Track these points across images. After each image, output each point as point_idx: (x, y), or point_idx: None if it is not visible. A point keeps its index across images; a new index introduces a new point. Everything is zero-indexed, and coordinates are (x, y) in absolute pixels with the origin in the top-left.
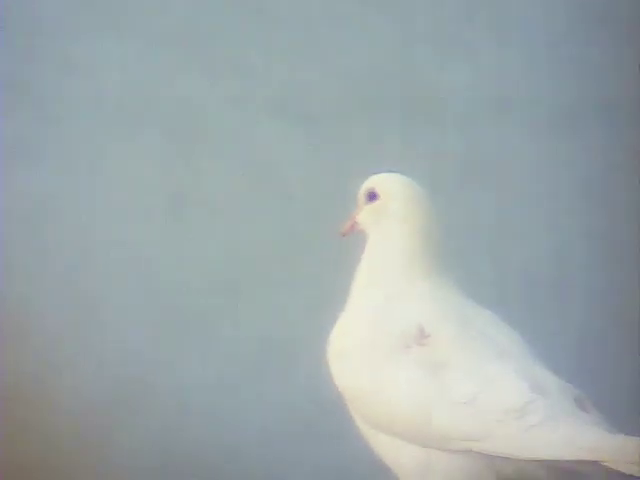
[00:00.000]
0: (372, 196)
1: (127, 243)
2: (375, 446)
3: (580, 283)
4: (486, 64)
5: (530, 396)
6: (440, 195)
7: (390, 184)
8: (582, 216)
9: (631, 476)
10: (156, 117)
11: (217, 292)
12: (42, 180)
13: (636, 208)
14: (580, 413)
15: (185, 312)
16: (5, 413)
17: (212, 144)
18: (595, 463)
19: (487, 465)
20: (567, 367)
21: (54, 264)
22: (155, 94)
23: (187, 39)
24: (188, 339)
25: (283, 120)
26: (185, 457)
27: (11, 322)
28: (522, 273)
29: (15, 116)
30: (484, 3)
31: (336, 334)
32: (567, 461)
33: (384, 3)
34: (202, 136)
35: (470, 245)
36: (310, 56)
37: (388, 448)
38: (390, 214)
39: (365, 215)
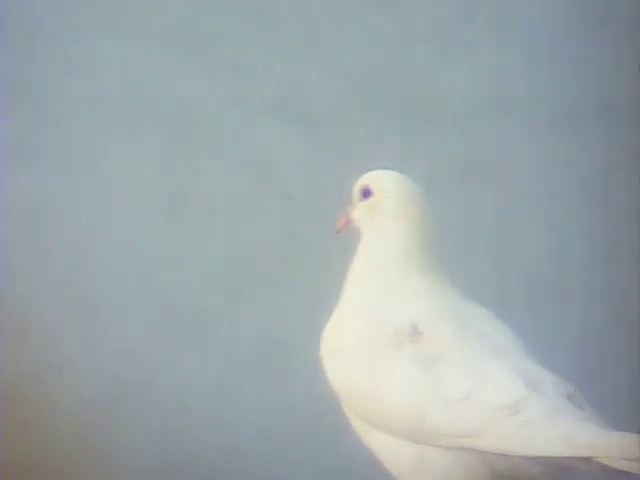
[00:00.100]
0: (366, 193)
1: (127, 243)
2: (369, 443)
3: (580, 283)
4: (486, 64)
5: (524, 392)
6: (440, 195)
7: (384, 181)
8: (582, 216)
9: (626, 473)
10: (156, 117)
11: (217, 292)
12: (42, 180)
13: (636, 208)
14: (574, 410)
15: (185, 312)
16: (5, 413)
17: (212, 144)
18: (589, 460)
19: (481, 461)
20: (567, 367)
21: (54, 264)
22: (155, 94)
23: (187, 39)
24: (188, 339)
25: (283, 120)
26: (185, 457)
27: (11, 322)
28: (522, 273)
29: (15, 116)
30: (484, 3)
31: (329, 331)
32: (561, 458)
33: (384, 3)
34: (202, 136)
35: (470, 245)
36: (310, 56)
37: (382, 445)
38: (384, 211)
39: (359, 212)
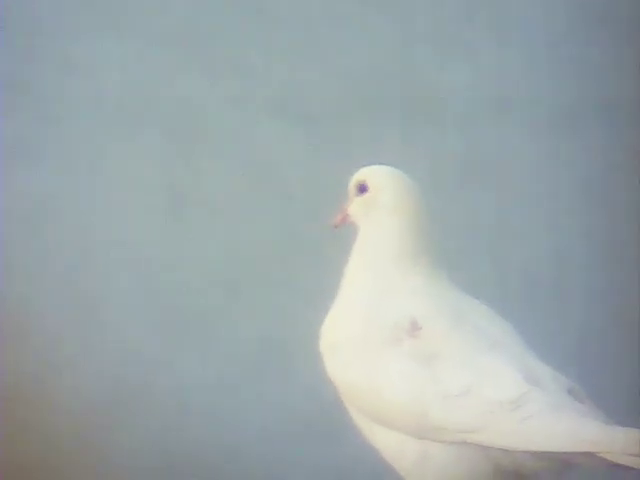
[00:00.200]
0: (362, 188)
1: (127, 243)
2: (371, 438)
3: (580, 283)
4: (486, 64)
5: (525, 387)
6: (440, 195)
7: (380, 176)
8: (582, 216)
9: (627, 467)
10: (156, 117)
11: (217, 292)
12: (42, 180)
13: (636, 208)
14: (575, 404)
15: (185, 312)
16: (5, 413)
17: (212, 144)
18: (591, 454)
19: (484, 456)
20: (567, 367)
21: (54, 264)
22: (155, 94)
23: (187, 39)
24: (188, 339)
25: (283, 120)
26: (185, 457)
27: (11, 322)
28: (522, 273)
29: (15, 116)
30: (484, 3)
31: (327, 327)
32: (564, 453)
33: (384, 3)
34: (202, 136)
35: (470, 245)
36: (310, 56)
37: (384, 440)
38: (380, 206)
39: (356, 207)
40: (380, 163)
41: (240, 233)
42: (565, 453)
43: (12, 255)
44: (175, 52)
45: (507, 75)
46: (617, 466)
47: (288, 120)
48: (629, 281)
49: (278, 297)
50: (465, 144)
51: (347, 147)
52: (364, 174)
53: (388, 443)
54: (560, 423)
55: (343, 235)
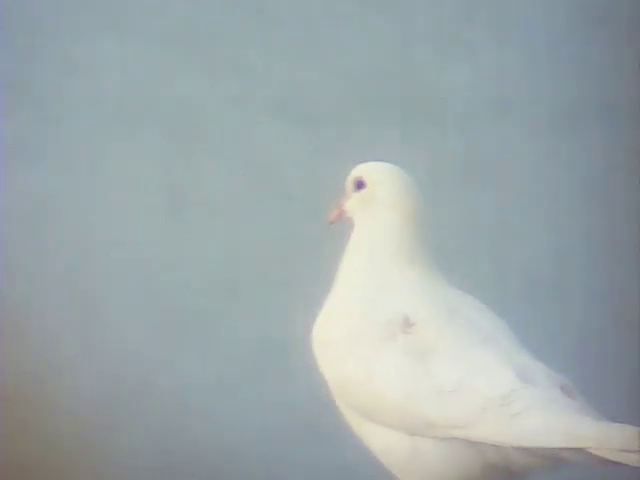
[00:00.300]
0: (360, 184)
1: (127, 243)
2: (361, 434)
3: (580, 283)
4: (486, 64)
5: (516, 383)
6: (440, 195)
7: (377, 172)
8: (582, 216)
9: (617, 463)
10: (156, 117)
11: (217, 292)
12: (42, 180)
13: (636, 208)
14: (566, 400)
15: (185, 312)
16: (5, 413)
17: (212, 144)
18: (581, 450)
19: (474, 452)
20: (567, 367)
21: (54, 264)
22: (155, 94)
23: (187, 39)
24: (188, 339)
25: (283, 120)
26: (185, 457)
27: (11, 322)
28: (522, 273)
29: (15, 116)
30: (484, 3)
31: (321, 322)
32: (553, 448)
33: (384, 3)
34: (202, 136)
35: (470, 245)
36: (310, 56)
37: (374, 436)
38: (377, 202)
39: (352, 203)
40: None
41: (240, 233)
42: (557, 449)
43: (12, 255)
44: (175, 52)
45: (507, 75)
46: (608, 462)
47: (288, 120)
48: (629, 281)
49: (278, 297)
50: (465, 144)
51: (347, 147)
52: (361, 170)
53: (378, 439)
54: (552, 419)
55: (343, 235)
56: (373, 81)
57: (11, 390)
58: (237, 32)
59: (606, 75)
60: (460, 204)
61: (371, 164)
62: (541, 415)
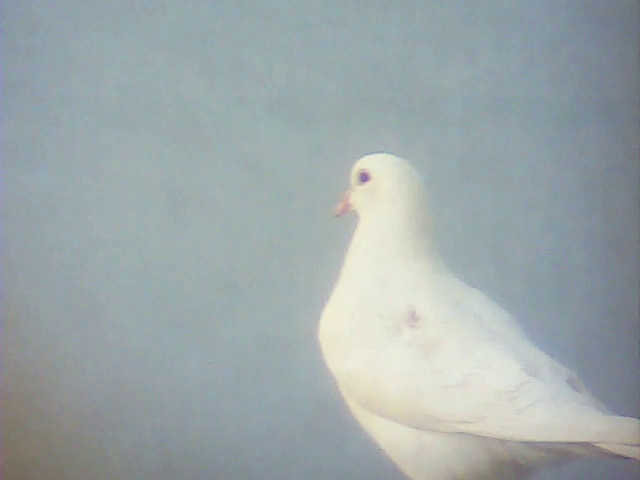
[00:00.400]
0: (364, 177)
1: (127, 243)
2: (368, 428)
3: (580, 283)
4: (486, 64)
5: (523, 378)
6: (440, 195)
7: (382, 165)
8: (582, 216)
9: (624, 457)
10: (156, 117)
11: (217, 292)
12: (42, 180)
13: (636, 208)
14: (573, 394)
15: (185, 312)
16: (5, 413)
17: (212, 144)
18: (589, 445)
19: (480, 447)
20: (567, 367)
21: (54, 264)
22: (155, 94)
23: (187, 39)
24: (188, 339)
25: (283, 120)
26: (185, 457)
27: (11, 322)
28: (522, 273)
29: (15, 116)
30: (484, 3)
31: (327, 315)
32: (562, 443)
33: (384, 3)
34: (202, 136)
35: (470, 245)
36: (310, 56)
37: (381, 430)
38: (382, 195)
39: (357, 196)
40: None
41: (240, 233)
42: (563, 443)
43: (12, 255)
44: (175, 52)
45: (507, 75)
46: (615, 456)
47: (288, 120)
48: (629, 281)
49: (278, 297)
50: (465, 144)
51: (347, 147)
52: (366, 162)
53: (385, 434)
54: (558, 413)
55: (344, 234)
56: (373, 81)
57: (11, 390)
58: (237, 32)
59: (606, 75)
60: (460, 204)
61: (375, 156)
62: (548, 409)
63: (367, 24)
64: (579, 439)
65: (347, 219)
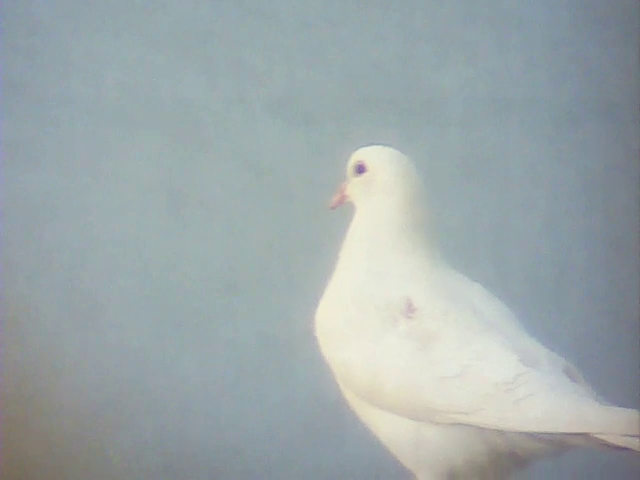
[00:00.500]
0: (360, 168)
1: (127, 243)
2: (366, 420)
3: (580, 283)
4: (486, 64)
5: (520, 369)
6: (440, 195)
7: (379, 157)
8: (582, 216)
9: (622, 448)
10: (156, 117)
11: (217, 292)
12: (42, 180)
13: (636, 208)
14: (571, 384)
15: (185, 312)
16: (5, 413)
17: (212, 144)
18: (586, 435)
19: (478, 438)
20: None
21: (54, 264)
22: (155, 94)
23: (187, 39)
24: (188, 339)
25: (283, 120)
26: (185, 457)
27: (11, 322)
28: (522, 273)
29: (15, 116)
30: (484, 3)
31: (323, 308)
32: (560, 434)
33: (384, 3)
34: (202, 136)
35: (470, 245)
36: (310, 56)
37: (379, 422)
38: (378, 186)
39: (353, 188)
40: None
41: (240, 233)
42: (561, 434)
43: (12, 255)
44: (175, 52)
45: (507, 75)
46: (613, 447)
47: (288, 120)
48: (629, 281)
49: (278, 297)
50: (465, 144)
51: (347, 147)
52: (362, 154)
53: (383, 425)
54: (556, 404)
55: (344, 235)
56: (373, 81)
57: (11, 390)
58: (237, 32)
59: (606, 75)
60: (460, 204)
61: (372, 148)
62: (545, 400)
63: (367, 24)
64: (578, 430)
65: (347, 218)
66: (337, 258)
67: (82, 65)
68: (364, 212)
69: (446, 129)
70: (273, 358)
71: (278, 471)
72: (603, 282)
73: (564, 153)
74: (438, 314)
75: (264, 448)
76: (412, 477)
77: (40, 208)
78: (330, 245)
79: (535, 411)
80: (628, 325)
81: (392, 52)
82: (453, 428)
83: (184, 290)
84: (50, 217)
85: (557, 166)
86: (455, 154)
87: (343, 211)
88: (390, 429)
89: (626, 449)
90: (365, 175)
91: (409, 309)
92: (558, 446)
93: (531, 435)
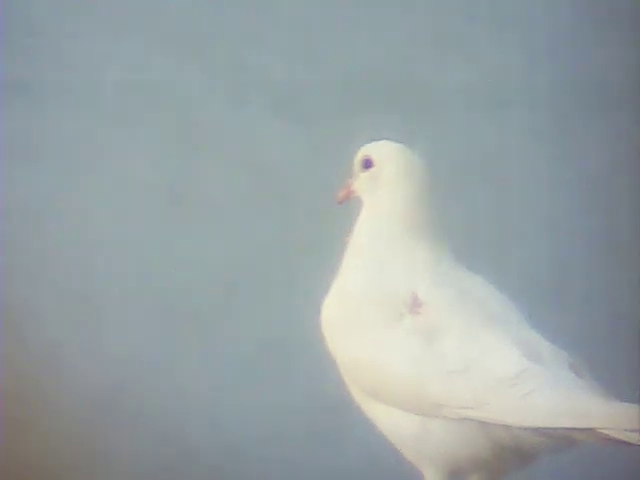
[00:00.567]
0: (367, 163)
1: (127, 243)
2: (371, 415)
3: (580, 283)
4: (486, 64)
5: (525, 364)
6: (440, 195)
7: (385, 151)
8: (582, 216)
9: (626, 443)
10: (156, 117)
11: (217, 292)
12: (42, 180)
13: (636, 208)
14: (575, 379)
15: (185, 312)
16: (5, 413)
17: (212, 144)
18: (591, 430)
19: (483, 433)
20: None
21: (54, 264)
22: (155, 94)
23: (187, 39)
24: (188, 339)
25: (283, 120)
26: (185, 458)
27: (11, 323)
28: (522, 273)
29: (15, 116)
30: (484, 3)
31: (329, 302)
32: (564, 428)
33: (384, 3)
34: (202, 136)
35: (469, 245)
36: (310, 56)
37: (384, 416)
38: (385, 181)
39: (360, 182)
40: None
41: (240, 233)
42: (564, 429)
43: (12, 255)
44: (175, 52)
45: (507, 75)
46: (617, 442)
47: (288, 120)
48: (629, 281)
49: (278, 297)
50: (465, 144)
51: (347, 147)
52: (369, 149)
53: (388, 420)
54: (561, 399)
55: (344, 235)
56: (373, 81)
57: (11, 390)
58: (237, 32)
59: (607, 75)
60: (460, 204)
61: (379, 143)
62: (550, 395)
63: (367, 24)
64: (582, 425)
65: (348, 218)
66: (338, 257)
67: (82, 65)
68: (371, 207)
69: (446, 129)
70: (273, 358)
71: (278, 471)
72: (603, 282)
73: (564, 153)
74: (443, 308)
75: (264, 448)
76: (412, 477)
77: (40, 208)
78: (330, 245)
79: (539, 406)
80: (628, 325)
81: (392, 52)
82: (458, 423)
83: (184, 290)
84: (50, 217)
85: (557, 166)
86: (455, 154)
87: (343, 211)
88: (394, 423)
89: (630, 444)
90: (372, 170)
91: (415, 304)
92: (563, 441)
93: (536, 430)
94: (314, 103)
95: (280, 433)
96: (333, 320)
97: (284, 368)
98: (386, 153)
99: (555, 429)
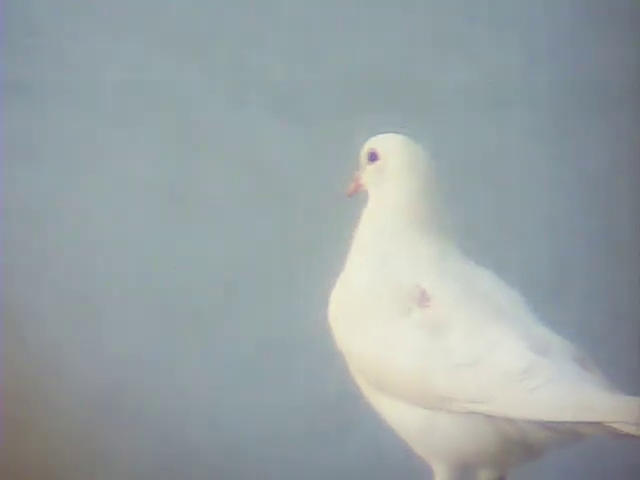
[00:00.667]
0: (373, 156)
1: (127, 243)
2: (379, 409)
3: (580, 283)
4: (486, 64)
5: (532, 358)
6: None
7: (390, 144)
8: (582, 216)
9: (634, 437)
10: (156, 117)
11: (217, 292)
12: (42, 180)
13: (636, 208)
14: (583, 373)
15: (185, 312)
16: (5, 413)
17: (212, 144)
18: (598, 424)
19: (490, 427)
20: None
21: (54, 264)
22: (155, 94)
23: (187, 39)
24: (188, 339)
25: (283, 120)
26: (185, 457)
27: (11, 323)
28: (522, 273)
29: (15, 116)
30: (484, 3)
31: (336, 296)
32: (571, 422)
33: (384, 3)
34: (202, 136)
35: (469, 245)
36: (310, 56)
37: (392, 410)
38: (390, 173)
39: (367, 176)
40: None
41: (240, 233)
42: (572, 423)
43: (12, 255)
44: (175, 52)
45: (507, 75)
46: (625, 436)
47: (288, 120)
48: (629, 281)
49: (278, 297)
50: (465, 144)
51: (347, 147)
52: (375, 142)
53: (395, 413)
54: (568, 393)
55: (344, 234)
56: (373, 81)
57: (11, 390)
58: (237, 32)
59: (607, 75)
60: (460, 204)
61: (384, 136)
62: (558, 389)
63: (367, 24)
64: (589, 419)
65: (348, 218)
66: (338, 257)
67: (82, 65)
68: (376, 199)
69: (446, 129)
70: (273, 358)
71: (278, 471)
72: (603, 282)
73: (564, 153)
74: (450, 302)
75: (264, 448)
76: (412, 477)
77: (40, 208)
78: (330, 245)
79: (547, 400)
80: (628, 325)
81: (392, 52)
82: (465, 417)
83: (184, 290)
84: (50, 217)
85: (557, 166)
86: (455, 154)
87: (343, 211)
88: (402, 417)
89: (636, 438)
90: (378, 163)
91: (423, 298)
92: (570, 435)
93: (543, 424)
94: (314, 103)
95: (280, 433)
96: (340, 313)
97: (284, 368)
98: (391, 146)
99: (562, 423)
